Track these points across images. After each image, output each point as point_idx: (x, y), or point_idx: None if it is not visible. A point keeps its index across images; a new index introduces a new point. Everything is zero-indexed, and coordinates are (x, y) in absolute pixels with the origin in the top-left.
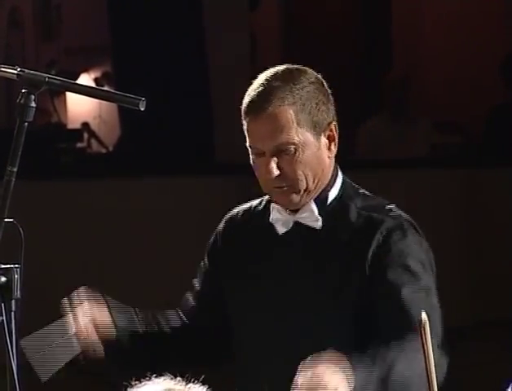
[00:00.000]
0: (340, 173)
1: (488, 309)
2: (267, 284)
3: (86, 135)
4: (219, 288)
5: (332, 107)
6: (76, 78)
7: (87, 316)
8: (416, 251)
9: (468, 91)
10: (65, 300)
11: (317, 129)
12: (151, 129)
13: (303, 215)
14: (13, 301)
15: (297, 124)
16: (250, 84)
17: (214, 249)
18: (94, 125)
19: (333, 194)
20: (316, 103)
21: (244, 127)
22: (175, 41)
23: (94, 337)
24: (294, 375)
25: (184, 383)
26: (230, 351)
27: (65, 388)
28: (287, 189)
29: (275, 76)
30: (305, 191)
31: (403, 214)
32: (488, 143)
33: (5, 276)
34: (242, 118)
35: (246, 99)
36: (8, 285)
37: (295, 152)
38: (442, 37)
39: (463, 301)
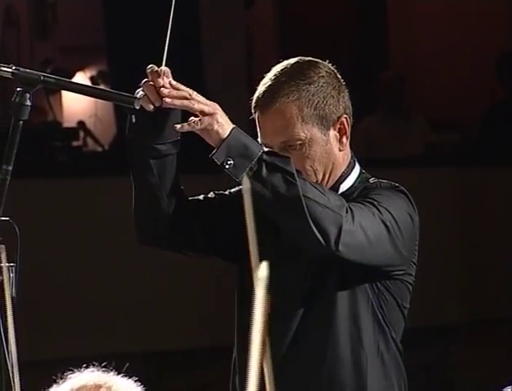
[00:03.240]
0: (357, 167)
1: (484, 308)
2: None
3: (81, 134)
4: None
5: (344, 100)
6: (71, 77)
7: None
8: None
9: (464, 90)
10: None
11: (325, 123)
12: None
13: None
14: None
15: (303, 120)
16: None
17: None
18: (89, 124)
19: (345, 186)
20: (324, 97)
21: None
22: (171, 39)
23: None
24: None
25: (108, 375)
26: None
27: None
28: None
29: (284, 70)
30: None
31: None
32: (485, 142)
33: (1, 275)
34: (252, 112)
35: (255, 94)
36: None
37: (302, 148)
38: (438, 35)
39: (460, 300)
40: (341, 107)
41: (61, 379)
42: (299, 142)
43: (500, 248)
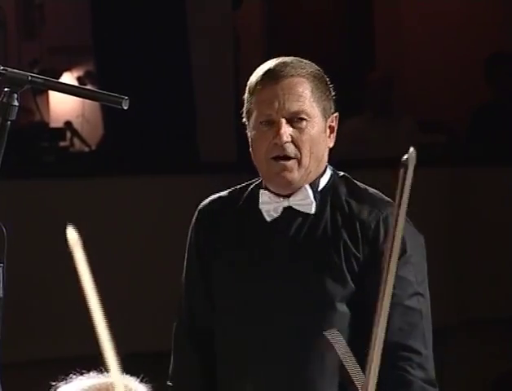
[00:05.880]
0: (329, 166)
1: (473, 308)
2: (254, 273)
3: (68, 134)
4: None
5: (333, 102)
6: (58, 77)
7: None
8: (407, 245)
9: (452, 90)
10: None
11: (324, 113)
12: (134, 128)
13: (297, 198)
14: None
15: (313, 98)
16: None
17: (194, 244)
18: (76, 124)
19: (323, 181)
20: (325, 89)
21: (253, 100)
22: (158, 40)
23: None
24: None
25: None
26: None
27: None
28: (290, 163)
29: (286, 58)
30: (306, 169)
31: (389, 201)
32: (473, 142)
33: None
34: (251, 90)
35: (262, 70)
36: None
37: (307, 125)
38: (425, 36)
39: (449, 300)
40: (332, 106)
41: (63, 379)
42: (306, 117)
43: (489, 248)
